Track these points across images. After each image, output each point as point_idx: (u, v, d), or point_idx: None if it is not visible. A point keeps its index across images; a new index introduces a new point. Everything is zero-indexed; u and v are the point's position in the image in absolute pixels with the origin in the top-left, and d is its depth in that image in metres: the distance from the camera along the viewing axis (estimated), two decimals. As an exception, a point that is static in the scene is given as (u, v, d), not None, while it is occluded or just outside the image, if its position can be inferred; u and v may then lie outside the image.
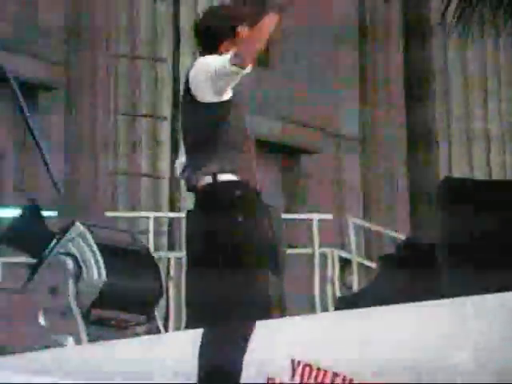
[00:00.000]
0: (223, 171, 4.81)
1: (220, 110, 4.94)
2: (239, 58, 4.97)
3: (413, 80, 11.16)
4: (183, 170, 4.85)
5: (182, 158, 4.76)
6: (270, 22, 4.98)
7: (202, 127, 5.00)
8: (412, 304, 4.89)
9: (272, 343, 5.26)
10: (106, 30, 10.35)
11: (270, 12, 4.93)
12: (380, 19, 11.64)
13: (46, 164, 8.18)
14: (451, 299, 4.74)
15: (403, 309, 5.17)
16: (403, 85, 11.32)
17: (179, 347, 5.52)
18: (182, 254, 7.48)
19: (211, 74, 4.93)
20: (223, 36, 5.05)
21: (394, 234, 8.96)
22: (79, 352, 5.68)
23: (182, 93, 4.84)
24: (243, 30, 5.12)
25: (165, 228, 9.18)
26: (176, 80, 10.03)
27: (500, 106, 11.29)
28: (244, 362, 4.61)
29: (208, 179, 4.86)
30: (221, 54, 5.02)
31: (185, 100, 5.13)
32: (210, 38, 5.13)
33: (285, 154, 11.81)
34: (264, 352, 5.26)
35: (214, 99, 4.86)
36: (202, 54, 5.10)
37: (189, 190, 4.96)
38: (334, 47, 12.39)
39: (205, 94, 4.89)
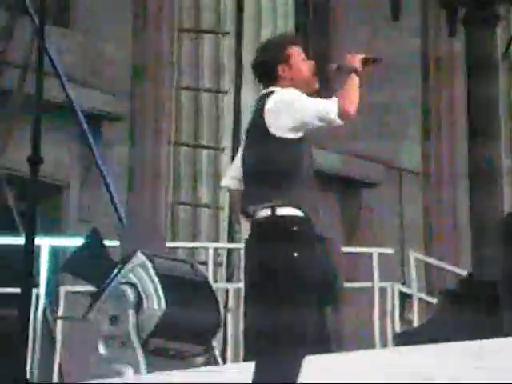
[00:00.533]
0: (285, 205, 4.79)
1: (296, 146, 4.93)
2: (347, 116, 5.02)
3: (476, 116, 11.11)
4: (241, 201, 4.85)
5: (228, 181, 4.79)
6: (357, 81, 5.04)
7: (273, 161, 4.98)
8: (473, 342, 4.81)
9: (329, 378, 5.19)
10: (169, 63, 10.41)
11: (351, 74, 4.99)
12: (444, 54, 11.60)
13: (110, 194, 8.22)
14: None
15: (463, 346, 5.09)
16: (467, 122, 11.27)
17: (237, 379, 5.48)
18: (240, 285, 7.46)
19: (302, 110, 4.95)
20: (277, 61, 5.06)
21: (455, 269, 8.86)
22: (137, 382, 5.66)
23: (248, 124, 4.83)
24: (294, 50, 5.15)
25: (223, 258, 9.16)
26: (237, 112, 10.04)
27: None
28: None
29: (267, 212, 4.84)
30: (278, 78, 5.04)
31: (254, 131, 5.11)
32: (267, 66, 5.15)
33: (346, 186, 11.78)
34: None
35: (291, 135, 4.86)
36: (264, 86, 5.10)
37: (246, 217, 4.95)
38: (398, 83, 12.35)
39: (283, 129, 4.88)
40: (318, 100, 4.93)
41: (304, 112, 4.94)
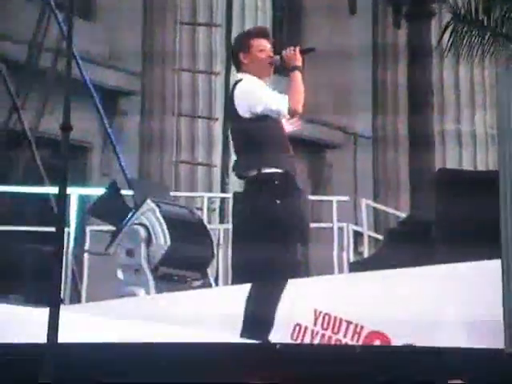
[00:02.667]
0: (267, 166, 4.84)
1: (261, 122, 4.93)
2: (295, 113, 5.00)
3: (415, 94, 11.11)
4: (234, 164, 4.88)
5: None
6: (299, 78, 4.99)
7: (246, 135, 5.00)
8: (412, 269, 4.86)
9: (299, 297, 5.24)
10: (172, 49, 10.37)
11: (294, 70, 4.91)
12: (389, 44, 11.57)
13: (117, 155, 8.22)
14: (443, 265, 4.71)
15: (403, 272, 5.13)
16: (408, 98, 11.28)
17: (226, 299, 5.52)
18: (229, 226, 7.52)
19: (256, 103, 4.92)
20: (239, 49, 5.04)
21: (397, 212, 8.91)
22: (149, 301, 5.69)
23: (225, 105, 4.88)
24: (255, 41, 5.09)
25: (216, 205, 9.19)
26: (227, 89, 10.03)
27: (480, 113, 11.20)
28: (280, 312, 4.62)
29: (253, 171, 4.87)
30: (240, 64, 5.01)
31: (229, 112, 5.13)
32: (233, 53, 5.14)
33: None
34: (293, 304, 5.24)
35: (253, 116, 4.88)
36: (235, 69, 5.08)
37: (239, 178, 4.96)
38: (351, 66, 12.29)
39: (246, 112, 4.88)
40: (272, 95, 4.90)
41: (259, 103, 4.93)
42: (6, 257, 6.46)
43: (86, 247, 7.14)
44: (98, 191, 7.11)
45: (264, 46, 5.11)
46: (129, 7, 11.36)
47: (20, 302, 5.25)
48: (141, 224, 6.53)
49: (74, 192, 7.31)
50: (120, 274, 6.24)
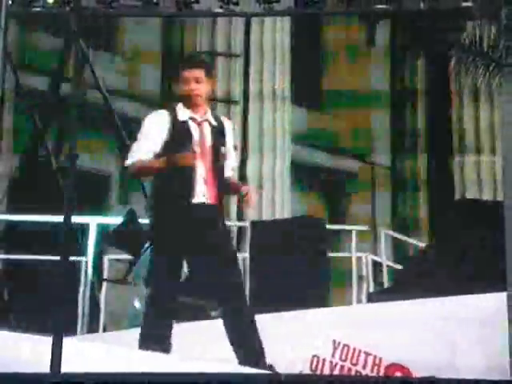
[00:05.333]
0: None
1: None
2: (130, 171, 5.24)
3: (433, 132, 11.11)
4: None
5: None
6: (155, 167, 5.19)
7: None
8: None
9: (317, 328, 5.16)
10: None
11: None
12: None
13: (142, 186, 8.20)
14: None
15: (423, 302, 5.04)
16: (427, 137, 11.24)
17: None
18: (246, 255, 7.46)
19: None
20: (174, 75, 5.11)
21: (417, 242, 8.81)
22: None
23: None
24: (182, 73, 5.12)
25: (234, 234, 9.12)
26: (245, 119, 9.97)
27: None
28: (295, 343, 4.57)
29: None
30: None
31: None
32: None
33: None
34: (311, 335, 5.16)
35: None
36: None
37: None
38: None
39: None
40: (138, 142, 5.02)
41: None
42: (26, 285, 6.42)
43: (105, 276, 7.09)
44: (115, 220, 7.06)
45: (188, 77, 5.12)
46: (148, 38, 11.40)
47: (37, 330, 5.19)
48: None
49: (93, 221, 7.27)
50: (137, 303, 6.17)
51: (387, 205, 10.84)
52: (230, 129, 5.33)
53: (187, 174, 5.01)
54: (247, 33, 10.24)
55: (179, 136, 5.03)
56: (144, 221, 6.78)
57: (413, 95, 10.92)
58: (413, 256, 7.56)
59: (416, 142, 10.91)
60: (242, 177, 9.64)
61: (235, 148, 5.49)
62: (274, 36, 10.40)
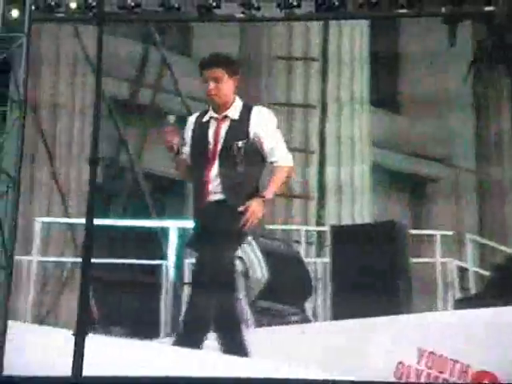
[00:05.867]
0: None
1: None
2: None
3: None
4: None
5: None
6: None
7: None
8: None
9: (402, 335, 5.08)
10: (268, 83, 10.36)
11: None
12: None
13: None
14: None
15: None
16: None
17: (325, 334, 5.40)
18: (326, 260, 7.38)
19: None
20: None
21: (504, 247, 8.62)
22: (248, 334, 5.61)
23: None
24: (202, 73, 5.09)
25: (313, 239, 9.07)
26: (323, 124, 9.93)
27: None
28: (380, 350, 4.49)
29: None
30: None
31: None
32: None
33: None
34: (395, 342, 5.09)
35: None
36: None
37: None
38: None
39: None
40: None
41: None
42: (110, 290, 6.48)
43: (186, 279, 7.12)
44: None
45: (207, 77, 5.11)
46: (226, 43, 11.44)
47: (121, 334, 5.23)
48: (238, 257, 6.49)
49: (173, 225, 7.32)
50: (219, 308, 6.17)
51: (472, 210, 10.64)
52: (258, 117, 5.16)
53: (201, 173, 4.99)
54: (325, 38, 10.18)
55: (198, 137, 5.02)
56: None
57: (496, 98, 10.72)
58: (500, 262, 7.39)
59: (501, 146, 10.70)
60: (322, 181, 9.59)
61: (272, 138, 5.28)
62: (352, 40, 10.32)
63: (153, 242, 7.55)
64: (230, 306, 4.78)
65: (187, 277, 6.95)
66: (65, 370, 3.74)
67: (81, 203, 7.79)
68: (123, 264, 7.16)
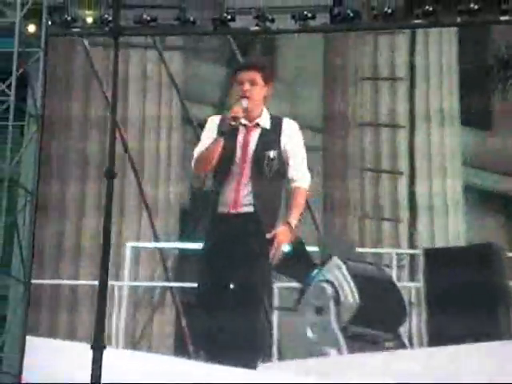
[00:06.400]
0: None
1: None
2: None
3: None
4: None
5: None
6: None
7: None
8: None
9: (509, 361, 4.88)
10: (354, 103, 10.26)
11: None
12: None
13: (311, 212, 8.13)
14: None
15: None
16: None
17: (421, 361, 5.24)
18: (421, 284, 7.20)
19: None
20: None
21: None
22: (340, 361, 5.51)
23: None
24: (237, 75, 5.04)
25: (405, 262, 8.88)
26: (411, 143, 9.76)
27: None
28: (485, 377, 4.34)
29: None
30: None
31: None
32: None
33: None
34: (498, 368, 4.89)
35: None
36: None
37: None
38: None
39: None
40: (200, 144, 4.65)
41: None
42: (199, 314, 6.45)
43: (275, 304, 7.05)
44: (283, 248, 7.02)
45: (242, 79, 5.06)
46: (309, 67, 11.42)
47: (211, 359, 5.18)
48: (327, 281, 6.39)
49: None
50: (309, 332, 6.09)
51: None
52: (289, 130, 5.09)
53: (229, 181, 4.87)
54: (411, 52, 10.03)
55: (227, 142, 4.93)
56: (311, 248, 6.71)
57: None
58: None
59: None
60: (412, 202, 9.41)
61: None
62: (440, 54, 10.14)
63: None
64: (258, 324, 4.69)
65: (276, 301, 6.87)
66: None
67: (169, 226, 7.79)
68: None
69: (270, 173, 4.93)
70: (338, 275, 6.45)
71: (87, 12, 7.17)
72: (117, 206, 7.40)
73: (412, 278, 8.51)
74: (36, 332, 6.33)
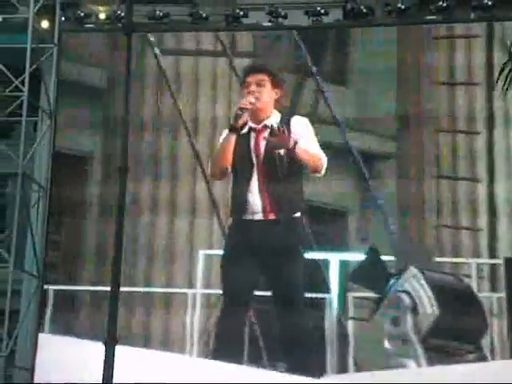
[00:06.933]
0: None
1: None
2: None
3: None
4: None
5: None
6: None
7: None
8: None
9: None
10: (430, 114, 10.08)
11: None
12: None
13: (385, 219, 7.99)
14: None
15: None
16: None
17: (504, 374, 5.05)
18: (502, 294, 6.98)
19: None
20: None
21: None
22: (419, 373, 5.37)
23: None
24: (246, 79, 5.04)
25: (485, 272, 8.66)
26: (490, 150, 9.53)
27: None
28: None
29: None
30: None
31: None
32: None
33: None
34: None
35: None
36: None
37: None
38: None
39: None
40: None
41: None
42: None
43: (350, 314, 6.92)
44: (357, 257, 6.92)
45: (250, 81, 5.01)
46: (382, 70, 11.28)
47: (286, 369, 5.10)
48: (405, 291, 6.25)
49: (334, 257, 7.17)
50: (387, 344, 5.94)
51: None
52: (298, 125, 5.04)
53: (247, 187, 4.81)
54: (489, 56, 9.82)
55: (240, 151, 4.88)
56: (386, 257, 6.57)
57: None
58: None
59: None
60: (492, 208, 9.19)
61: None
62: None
63: (313, 274, 7.41)
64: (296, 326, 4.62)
65: (351, 311, 6.74)
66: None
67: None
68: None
69: (282, 172, 4.93)
70: (415, 285, 6.30)
71: (100, 8, 7.21)
72: (187, 213, 7.38)
73: (493, 288, 8.28)
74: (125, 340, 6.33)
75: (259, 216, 4.96)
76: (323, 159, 5.08)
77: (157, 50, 7.52)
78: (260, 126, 5.12)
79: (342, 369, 6.34)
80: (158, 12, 7.06)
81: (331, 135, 9.23)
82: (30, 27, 6.85)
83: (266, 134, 5.06)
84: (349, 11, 6.99)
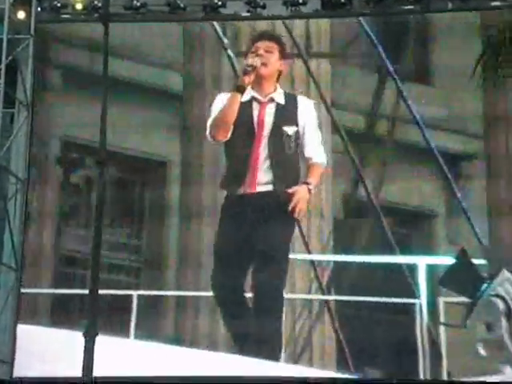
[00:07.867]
0: None
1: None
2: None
3: None
4: None
5: None
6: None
7: None
8: None
9: None
10: None
11: None
12: None
13: (469, 221, 7.89)
14: None
15: None
16: None
17: None
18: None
19: None
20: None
21: None
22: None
23: None
24: (254, 45, 4.95)
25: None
26: None
27: None
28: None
29: None
30: None
31: None
32: None
33: None
34: None
35: None
36: None
37: None
38: None
39: None
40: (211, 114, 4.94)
41: None
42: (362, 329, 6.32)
43: (441, 319, 6.78)
44: (445, 260, 6.79)
45: (258, 47, 4.92)
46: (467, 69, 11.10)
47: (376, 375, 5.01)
48: (498, 295, 6.10)
49: (422, 261, 7.05)
50: (481, 350, 5.80)
51: None
52: (305, 107, 4.96)
53: (244, 159, 4.75)
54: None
55: (241, 118, 4.82)
56: (476, 261, 6.43)
57: None
58: None
59: None
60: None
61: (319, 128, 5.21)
62: None
63: (397, 279, 7.30)
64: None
65: (442, 316, 6.60)
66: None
67: (322, 237, 7.71)
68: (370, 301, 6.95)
69: (289, 149, 4.92)
70: (509, 289, 6.15)
71: (76, -2, 7.27)
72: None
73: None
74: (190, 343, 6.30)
75: (259, 188, 4.98)
76: (323, 164, 5.10)
77: (230, 53, 7.56)
78: (265, 100, 5.14)
79: (435, 375, 6.21)
80: (135, 2, 7.11)
81: (413, 136, 9.12)
82: (7, 18, 6.91)
83: (271, 108, 5.09)
84: (327, 1, 6.96)
